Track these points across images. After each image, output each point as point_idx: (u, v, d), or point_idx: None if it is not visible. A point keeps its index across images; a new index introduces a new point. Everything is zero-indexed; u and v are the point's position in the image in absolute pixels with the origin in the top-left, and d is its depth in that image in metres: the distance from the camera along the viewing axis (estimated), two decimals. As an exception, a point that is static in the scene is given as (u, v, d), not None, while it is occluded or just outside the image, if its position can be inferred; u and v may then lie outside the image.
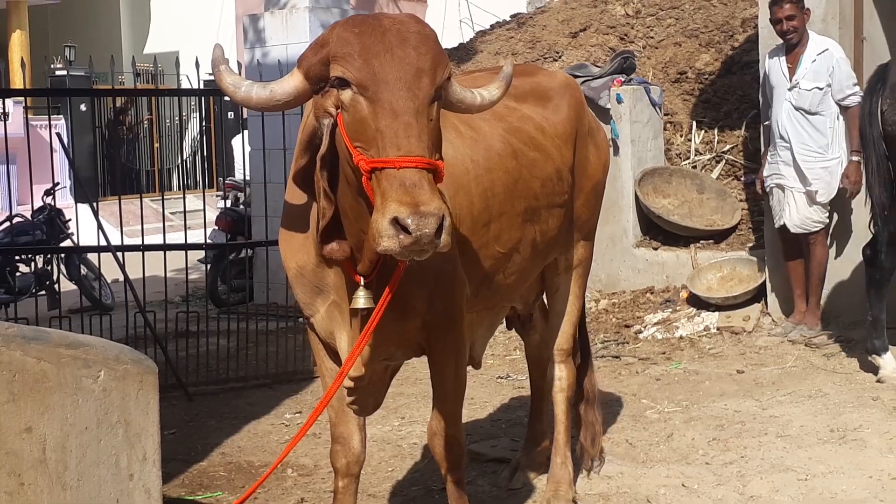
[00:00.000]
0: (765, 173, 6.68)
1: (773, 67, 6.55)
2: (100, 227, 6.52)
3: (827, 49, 6.36)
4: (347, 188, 2.76)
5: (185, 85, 10.54)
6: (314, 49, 2.73)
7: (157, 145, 16.43)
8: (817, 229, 6.45)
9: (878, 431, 4.72)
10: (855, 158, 6.25)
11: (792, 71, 6.43)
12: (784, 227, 6.52)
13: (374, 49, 2.61)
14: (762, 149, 6.91)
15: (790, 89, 6.43)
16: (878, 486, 4.12)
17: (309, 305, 3.18)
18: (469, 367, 3.57)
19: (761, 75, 6.79)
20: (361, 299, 2.91)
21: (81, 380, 3.22)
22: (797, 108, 6.41)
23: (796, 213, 6.46)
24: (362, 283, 2.91)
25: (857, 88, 6.30)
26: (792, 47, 6.42)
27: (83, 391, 3.22)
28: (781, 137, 6.48)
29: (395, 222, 2.46)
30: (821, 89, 6.35)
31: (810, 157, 6.41)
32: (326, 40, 2.70)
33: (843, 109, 6.36)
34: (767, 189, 6.65)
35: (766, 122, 6.74)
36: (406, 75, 2.60)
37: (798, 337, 6.43)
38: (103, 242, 6.59)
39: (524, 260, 3.59)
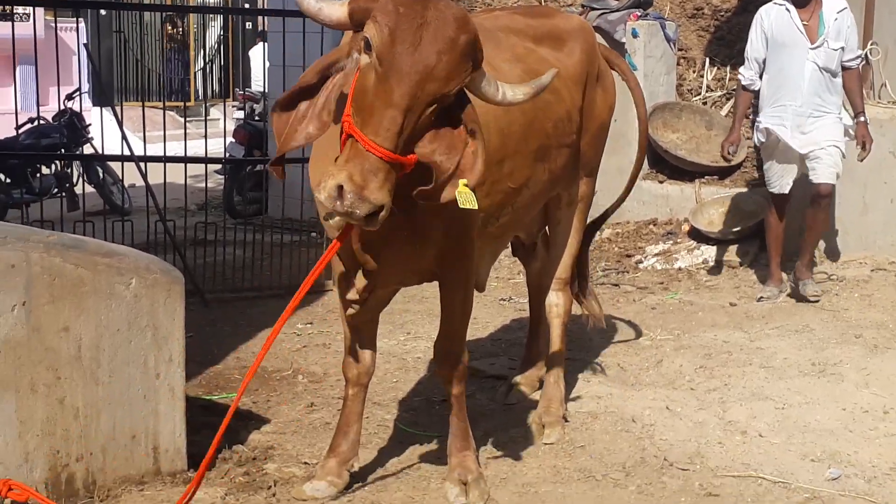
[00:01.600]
0: (761, 138, 6.30)
1: (782, 23, 6.17)
2: (124, 137, 6.73)
3: (845, 8, 6.18)
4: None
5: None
6: None
7: (192, 54, 16.47)
8: (834, 182, 6.23)
9: (856, 367, 4.99)
10: (862, 119, 6.19)
11: (811, 29, 6.11)
12: (781, 194, 6.28)
13: (405, 35, 2.82)
14: (740, 103, 6.50)
15: (814, 48, 6.09)
16: (850, 418, 4.41)
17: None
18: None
19: (756, 29, 6.28)
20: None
21: (115, 286, 3.50)
22: (822, 69, 6.11)
23: (825, 164, 6.13)
24: None
25: (861, 50, 6.34)
26: (804, 2, 6.13)
27: (116, 296, 3.51)
28: (796, 99, 6.12)
29: (339, 188, 2.78)
30: (843, 49, 6.15)
31: (826, 113, 6.16)
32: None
33: (845, 71, 6.21)
34: (760, 143, 6.35)
35: (749, 77, 6.30)
36: (418, 73, 2.81)
37: (785, 295, 6.34)
38: (127, 152, 6.82)
39: (532, 195, 3.83)
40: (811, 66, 6.12)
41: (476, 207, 3.04)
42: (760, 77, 6.30)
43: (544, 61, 3.85)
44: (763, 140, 6.32)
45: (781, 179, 6.28)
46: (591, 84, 4.13)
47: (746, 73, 6.35)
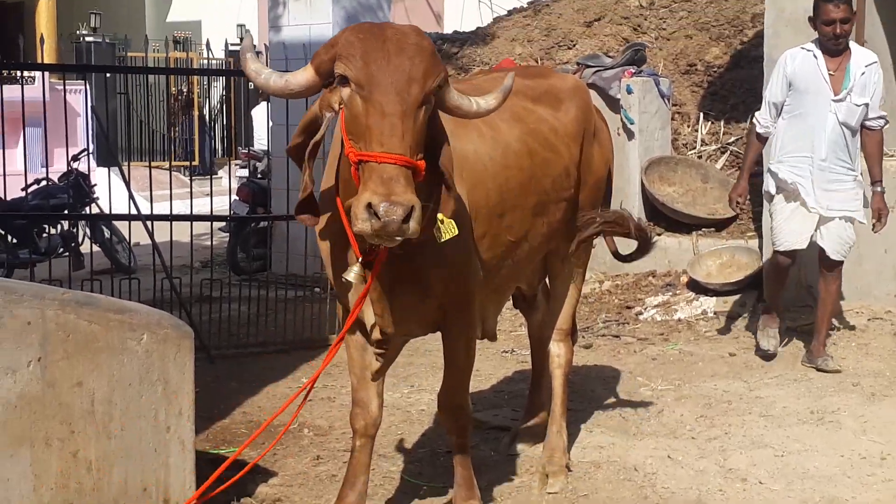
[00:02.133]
0: (772, 188, 5.92)
1: (808, 70, 5.81)
2: (131, 196, 6.86)
3: (875, 62, 5.84)
4: (346, 170, 3.11)
5: (206, 54, 10.81)
6: (326, 48, 3.10)
7: (196, 114, 16.68)
8: (845, 257, 5.95)
9: (854, 415, 5.07)
10: (879, 189, 5.84)
11: (837, 80, 5.76)
12: (791, 251, 5.90)
13: (373, 54, 2.97)
14: (750, 152, 6.13)
15: (837, 100, 5.75)
16: (848, 465, 4.48)
17: (337, 279, 3.54)
18: (482, 340, 3.94)
19: (778, 73, 5.91)
20: (352, 273, 3.25)
21: (127, 341, 3.58)
22: (842, 123, 5.76)
23: (836, 237, 5.83)
24: (359, 259, 3.24)
25: (884, 111, 5.91)
26: (834, 53, 5.77)
27: (128, 352, 3.59)
28: (817, 152, 5.77)
29: (369, 207, 2.85)
30: (867, 105, 5.78)
31: (845, 175, 5.82)
32: (336, 41, 3.07)
33: (865, 130, 5.85)
34: (771, 194, 5.96)
35: (765, 124, 5.96)
36: (398, 81, 2.95)
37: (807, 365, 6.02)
38: (133, 211, 6.94)
39: (531, 248, 3.96)
40: (833, 119, 5.77)
41: (456, 233, 3.15)
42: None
43: (542, 120, 4.00)
44: (773, 191, 5.94)
45: (797, 236, 5.86)
46: (588, 140, 4.27)
47: (763, 120, 5.98)
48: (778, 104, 5.92)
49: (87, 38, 15.43)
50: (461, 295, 3.54)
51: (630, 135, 8.04)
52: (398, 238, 2.90)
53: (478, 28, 11.66)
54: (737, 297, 7.24)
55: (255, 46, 3.30)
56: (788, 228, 5.89)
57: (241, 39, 3.32)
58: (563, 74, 4.60)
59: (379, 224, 2.83)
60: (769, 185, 6.00)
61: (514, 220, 3.76)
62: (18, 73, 11.87)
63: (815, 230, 5.87)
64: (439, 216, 3.12)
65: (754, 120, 6.08)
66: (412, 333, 3.75)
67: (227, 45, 7.77)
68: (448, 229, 3.13)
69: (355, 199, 2.92)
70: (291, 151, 3.29)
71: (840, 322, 6.67)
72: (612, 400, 5.50)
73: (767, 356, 6.15)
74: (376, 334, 3.49)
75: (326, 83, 3.07)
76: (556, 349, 4.47)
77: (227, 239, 10.12)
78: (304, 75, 3.09)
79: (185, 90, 16.84)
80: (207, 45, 6.78)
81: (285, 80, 3.11)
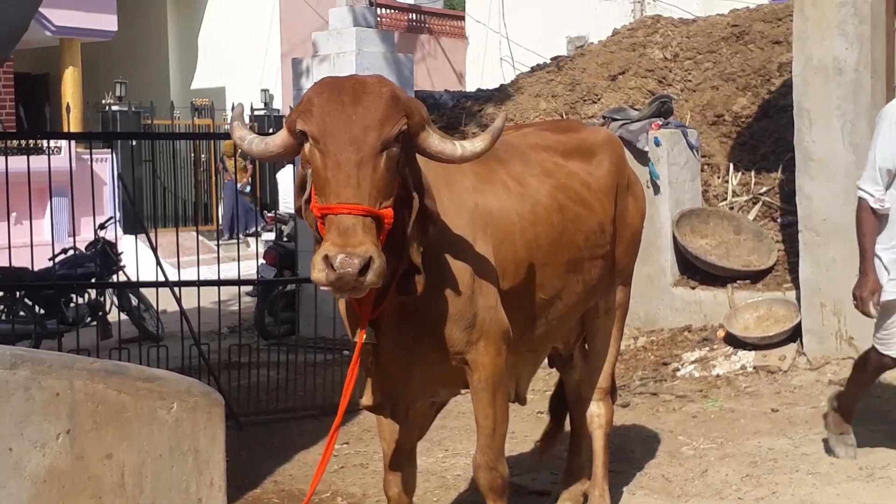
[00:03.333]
0: (884, 279, 4.72)
1: None
2: (158, 263, 6.82)
3: None
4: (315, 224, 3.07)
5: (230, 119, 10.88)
6: (295, 107, 3.08)
7: (227, 180, 16.80)
8: None
9: (905, 470, 4.88)
10: None
11: None
12: None
13: (328, 106, 2.93)
14: (867, 236, 4.76)
15: None
16: (905, 523, 4.30)
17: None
18: (513, 403, 3.81)
19: (888, 129, 4.72)
20: (356, 335, 3.21)
21: (157, 411, 3.49)
22: None
23: None
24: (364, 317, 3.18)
25: None
26: None
27: (158, 421, 3.49)
28: None
29: (326, 259, 2.79)
30: None
31: None
32: (302, 98, 3.05)
33: None
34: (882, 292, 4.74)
35: (879, 196, 4.73)
36: (353, 130, 2.90)
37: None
38: (161, 277, 6.90)
39: (566, 306, 3.84)
40: None
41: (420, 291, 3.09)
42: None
43: (574, 175, 3.91)
44: (885, 282, 4.75)
45: None
46: (622, 193, 4.18)
47: (875, 191, 4.72)
48: (892, 169, 4.73)
49: (114, 108, 15.57)
50: (488, 353, 3.40)
51: (656, 188, 7.94)
52: (357, 291, 2.84)
53: (501, 85, 11.67)
54: (776, 350, 7.08)
55: (243, 116, 3.36)
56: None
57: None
58: (595, 127, 4.53)
59: (334, 276, 2.78)
60: (881, 273, 4.78)
61: (546, 277, 3.65)
62: (45, 144, 12.00)
63: None
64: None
65: (863, 194, 4.76)
66: (437, 395, 3.62)
67: (251, 110, 7.80)
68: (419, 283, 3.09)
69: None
70: (298, 213, 3.27)
71: (885, 374, 6.49)
72: (654, 460, 5.34)
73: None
74: (373, 399, 3.42)
75: (300, 142, 3.04)
76: (597, 409, 4.34)
77: (255, 303, 10.07)
78: (279, 137, 3.10)
79: (202, 157, 16.97)
80: (233, 108, 6.77)
81: (265, 143, 3.12)
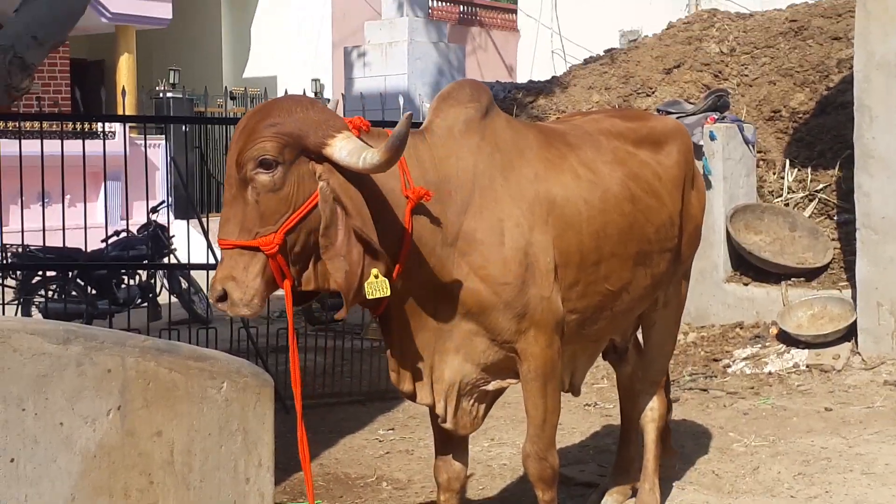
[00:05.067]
0: None
1: None
2: (209, 247, 6.85)
3: None
4: None
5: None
6: None
7: None
8: None
9: (965, 473, 4.76)
10: None
11: None
12: None
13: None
14: None
15: None
16: (964, 528, 4.18)
17: None
18: (566, 393, 3.76)
19: None
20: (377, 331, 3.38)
21: (207, 390, 3.49)
22: None
23: None
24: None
25: None
26: None
27: (208, 400, 3.49)
28: None
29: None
30: None
31: None
32: None
33: None
34: None
35: None
36: (228, 169, 3.03)
37: None
38: (212, 261, 6.92)
39: (632, 299, 3.77)
40: None
41: (388, 294, 3.08)
42: None
43: (645, 164, 3.83)
44: None
45: None
46: (688, 185, 4.10)
47: None
48: None
49: (167, 94, 15.70)
50: (539, 341, 3.35)
51: (708, 183, 7.82)
52: (231, 314, 3.10)
53: (553, 77, 11.59)
54: (830, 349, 6.95)
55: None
56: None
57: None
58: (663, 117, 4.46)
59: (211, 300, 3.07)
60: None
61: (613, 268, 3.58)
62: (100, 128, 12.13)
63: None
64: (373, 271, 3.07)
65: None
66: (482, 382, 3.53)
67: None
68: (377, 288, 3.08)
69: None
70: None
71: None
72: (705, 456, 5.26)
73: None
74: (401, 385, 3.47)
75: None
76: (650, 402, 4.27)
77: (303, 290, 10.08)
78: None
79: None
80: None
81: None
